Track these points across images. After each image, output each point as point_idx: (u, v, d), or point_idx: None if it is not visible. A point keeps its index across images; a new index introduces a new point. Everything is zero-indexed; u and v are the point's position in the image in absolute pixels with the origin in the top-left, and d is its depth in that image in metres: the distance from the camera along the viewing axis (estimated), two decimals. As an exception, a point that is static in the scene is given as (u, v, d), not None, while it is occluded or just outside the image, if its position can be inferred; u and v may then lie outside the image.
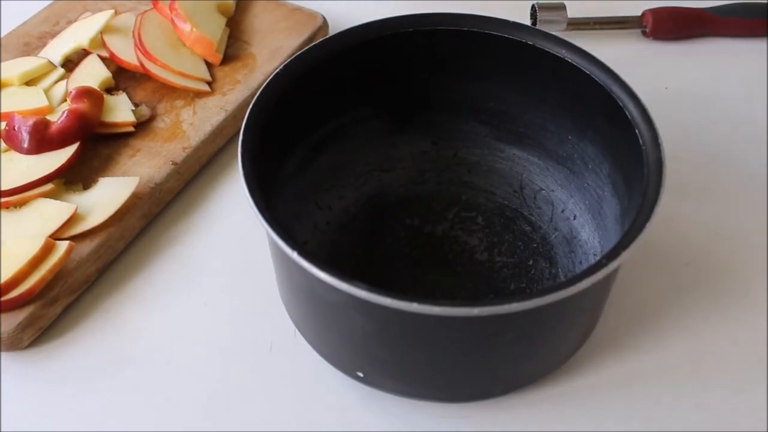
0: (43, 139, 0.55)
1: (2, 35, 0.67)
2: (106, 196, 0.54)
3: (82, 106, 0.57)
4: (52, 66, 0.62)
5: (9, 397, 0.49)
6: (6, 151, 0.56)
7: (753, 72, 0.69)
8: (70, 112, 0.57)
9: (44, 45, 0.66)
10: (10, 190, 0.53)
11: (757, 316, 0.52)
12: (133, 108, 0.60)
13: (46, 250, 0.50)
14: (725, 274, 0.55)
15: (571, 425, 0.48)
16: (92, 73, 0.62)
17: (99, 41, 0.64)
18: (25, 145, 0.55)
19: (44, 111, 0.59)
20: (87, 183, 0.56)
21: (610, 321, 0.52)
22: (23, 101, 0.59)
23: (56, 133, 0.56)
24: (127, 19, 0.65)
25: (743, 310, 0.53)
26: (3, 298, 0.49)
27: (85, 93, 0.58)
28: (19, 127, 0.55)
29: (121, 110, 0.60)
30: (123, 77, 0.63)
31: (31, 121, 0.55)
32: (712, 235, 0.57)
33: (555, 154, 0.55)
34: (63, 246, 0.51)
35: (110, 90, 0.62)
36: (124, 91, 0.62)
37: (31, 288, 0.49)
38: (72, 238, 0.52)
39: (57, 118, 0.56)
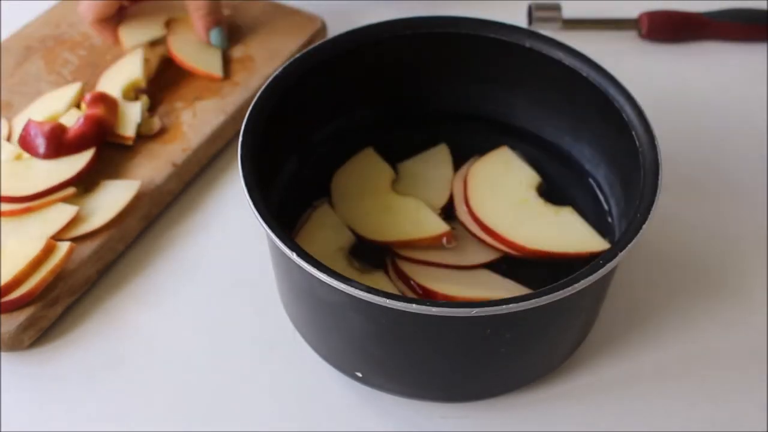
0: (60, 145, 0.55)
1: (3, 38, 0.68)
2: (107, 199, 0.55)
3: (98, 111, 0.57)
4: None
5: (9, 397, 0.49)
6: (18, 157, 0.56)
7: (749, 75, 0.69)
8: (87, 117, 0.57)
9: (45, 48, 0.66)
10: (32, 195, 0.54)
11: (754, 316, 0.53)
12: (140, 121, 0.60)
13: (48, 252, 0.50)
14: (722, 274, 0.55)
15: (570, 425, 0.48)
16: (128, 69, 0.62)
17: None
18: (42, 151, 0.55)
19: (54, 116, 0.59)
20: (88, 185, 0.56)
21: (608, 321, 0.52)
22: (35, 106, 0.60)
23: (73, 138, 0.56)
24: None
25: (740, 311, 0.53)
26: (4, 299, 0.49)
27: (100, 98, 0.58)
28: (35, 133, 0.56)
29: (128, 122, 0.59)
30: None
31: (47, 127, 0.56)
32: (708, 236, 0.57)
33: (552, 154, 0.55)
34: (64, 247, 0.51)
35: (138, 92, 0.62)
36: (146, 95, 0.62)
37: (32, 289, 0.50)
38: (73, 240, 0.52)
39: (74, 123, 0.57)
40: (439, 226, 0.51)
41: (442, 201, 0.53)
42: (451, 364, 0.45)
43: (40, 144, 0.55)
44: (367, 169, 0.54)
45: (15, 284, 0.49)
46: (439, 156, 0.55)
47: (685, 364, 0.51)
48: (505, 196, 0.52)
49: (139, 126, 0.59)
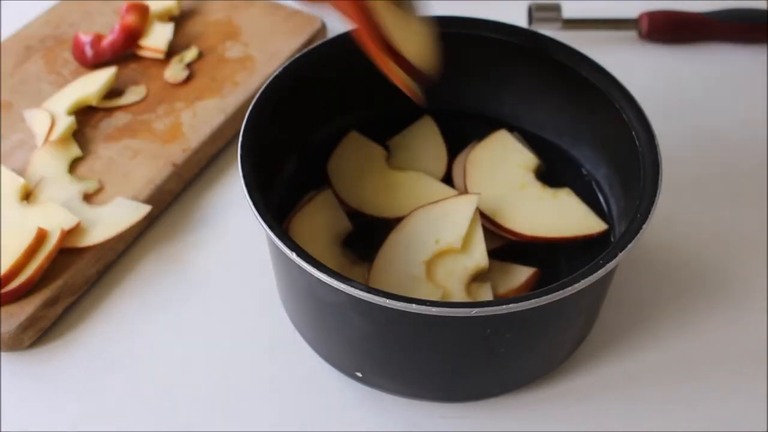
0: (97, 53, 0.64)
1: (3, 38, 0.68)
2: (112, 217, 0.54)
3: (131, 19, 0.65)
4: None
5: (9, 397, 0.49)
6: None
7: (749, 75, 0.69)
8: (121, 26, 0.65)
9: (45, 48, 0.66)
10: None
11: (754, 316, 0.53)
12: (171, 38, 0.65)
13: (40, 239, 0.50)
14: (722, 275, 0.55)
15: (570, 425, 0.48)
16: None
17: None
18: (89, 56, 0.64)
19: (84, 99, 0.62)
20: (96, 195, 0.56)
21: (608, 321, 0.52)
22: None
23: (108, 46, 0.64)
24: None
25: (740, 311, 0.53)
26: (3, 290, 0.49)
27: (134, 8, 0.66)
28: (84, 43, 0.64)
29: (161, 37, 0.66)
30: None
31: (91, 37, 0.64)
32: (708, 236, 0.57)
33: (552, 154, 0.55)
34: (56, 233, 0.51)
35: (171, 18, 0.69)
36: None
37: (30, 277, 0.50)
38: (71, 250, 0.52)
39: (109, 32, 0.65)
40: (448, 192, 0.51)
41: (441, 170, 0.54)
42: (452, 364, 0.45)
43: (89, 52, 0.64)
44: (359, 150, 0.55)
45: (13, 274, 0.50)
46: (426, 127, 0.56)
47: (685, 364, 0.51)
48: (504, 183, 0.52)
49: (170, 43, 0.65)
